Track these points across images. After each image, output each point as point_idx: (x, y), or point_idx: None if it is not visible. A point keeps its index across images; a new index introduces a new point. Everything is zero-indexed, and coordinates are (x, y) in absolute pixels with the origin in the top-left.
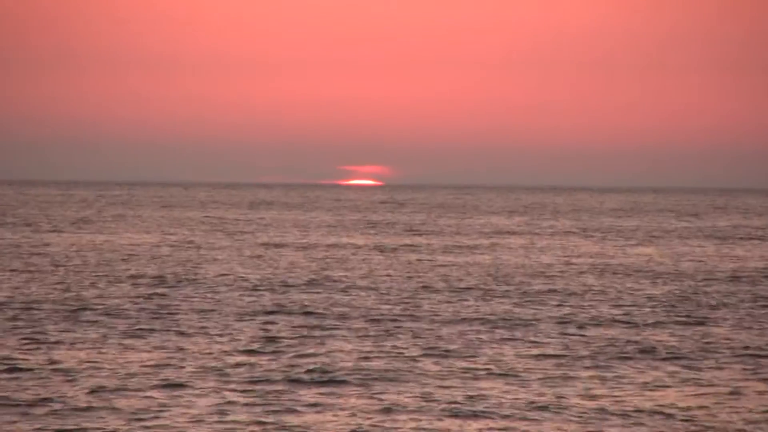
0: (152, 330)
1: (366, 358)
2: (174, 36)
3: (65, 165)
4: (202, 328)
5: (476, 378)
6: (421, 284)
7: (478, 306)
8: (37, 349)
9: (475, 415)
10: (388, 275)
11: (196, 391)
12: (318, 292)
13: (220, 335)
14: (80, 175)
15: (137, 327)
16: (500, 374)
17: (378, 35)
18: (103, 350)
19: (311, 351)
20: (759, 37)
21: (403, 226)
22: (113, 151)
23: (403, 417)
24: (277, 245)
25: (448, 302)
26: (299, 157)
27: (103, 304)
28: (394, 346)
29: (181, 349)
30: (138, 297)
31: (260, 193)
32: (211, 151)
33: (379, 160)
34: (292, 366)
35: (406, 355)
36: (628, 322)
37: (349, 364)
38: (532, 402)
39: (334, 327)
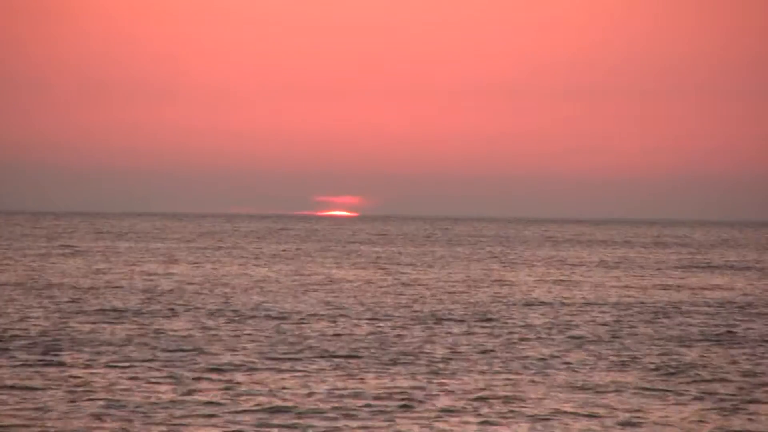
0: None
1: None
2: (142, 63)
3: (57, 195)
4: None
5: None
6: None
7: None
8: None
9: None
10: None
11: None
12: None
13: None
14: (59, 206)
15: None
16: None
17: (354, 64)
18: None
19: None
20: (763, 63)
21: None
22: (77, 181)
23: None
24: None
25: None
26: (273, 188)
27: None
28: None
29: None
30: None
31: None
32: (182, 181)
33: (353, 190)
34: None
35: None
36: None
37: None
38: None
39: None
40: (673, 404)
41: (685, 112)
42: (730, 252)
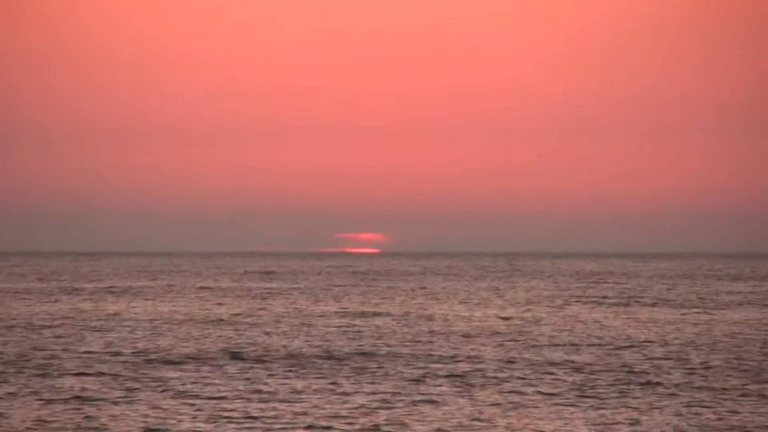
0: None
1: None
2: (167, 106)
3: (65, 236)
4: None
5: None
6: None
7: None
8: None
9: None
10: None
11: None
12: None
13: None
14: (79, 246)
15: None
16: None
17: (373, 102)
18: None
19: None
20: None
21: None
22: (107, 222)
23: None
24: None
25: None
26: (296, 226)
27: None
28: None
29: None
30: None
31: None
32: (204, 221)
33: (375, 227)
34: None
35: None
36: None
37: None
38: None
39: None
40: None
41: (694, 149)
42: None
